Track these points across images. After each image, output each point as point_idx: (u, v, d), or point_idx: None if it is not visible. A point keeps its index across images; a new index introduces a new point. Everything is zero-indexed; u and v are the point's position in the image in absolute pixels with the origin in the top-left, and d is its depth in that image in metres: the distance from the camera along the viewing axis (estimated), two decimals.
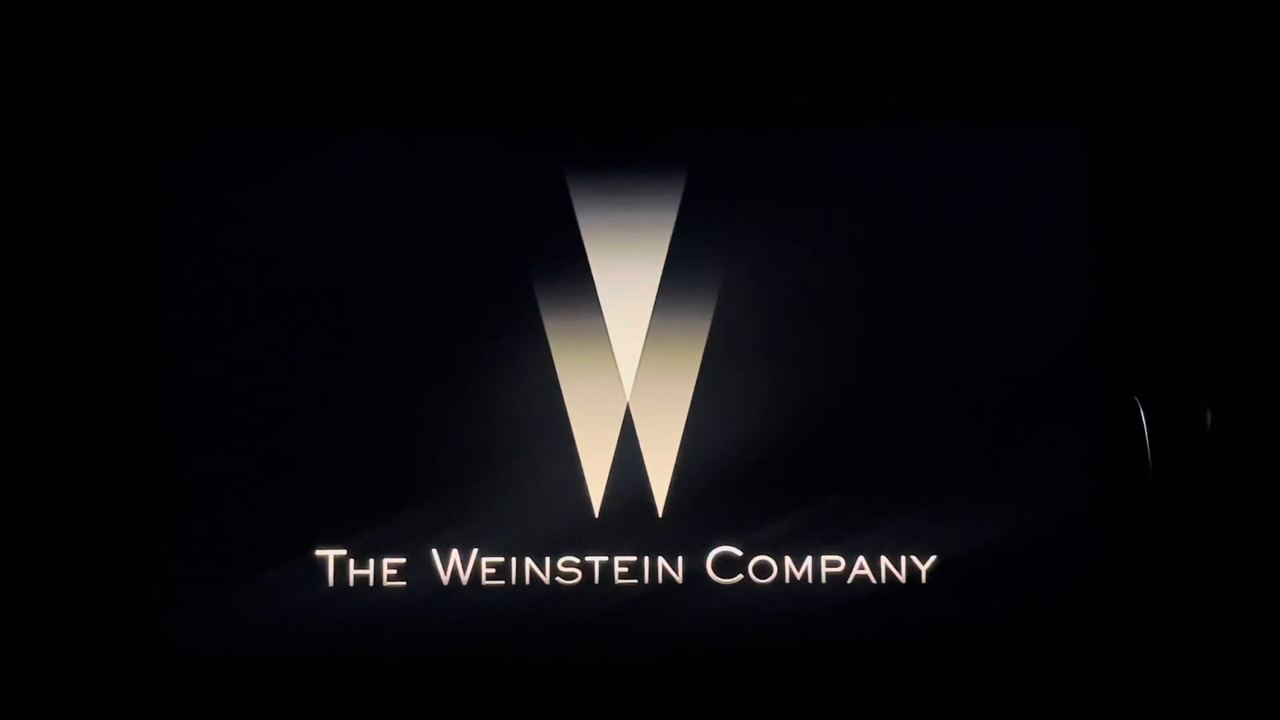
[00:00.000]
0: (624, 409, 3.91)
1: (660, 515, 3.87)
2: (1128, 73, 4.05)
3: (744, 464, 3.88)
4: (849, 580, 3.86)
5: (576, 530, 3.87)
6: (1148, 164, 4.03)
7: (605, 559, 3.86)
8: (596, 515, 3.88)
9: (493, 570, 3.85)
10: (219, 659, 3.81)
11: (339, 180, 3.96)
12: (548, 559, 3.86)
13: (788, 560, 3.86)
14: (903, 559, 3.86)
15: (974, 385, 3.91)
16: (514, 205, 3.97)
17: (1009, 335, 3.94)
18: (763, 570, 3.86)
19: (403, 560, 3.85)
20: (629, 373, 3.93)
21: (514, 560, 3.86)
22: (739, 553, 3.87)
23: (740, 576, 3.86)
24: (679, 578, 3.86)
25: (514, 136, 4.01)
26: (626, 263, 3.96)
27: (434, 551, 3.85)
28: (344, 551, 3.84)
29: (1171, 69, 4.04)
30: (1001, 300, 3.95)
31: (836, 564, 3.87)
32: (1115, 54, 4.05)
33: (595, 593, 3.85)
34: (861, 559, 3.86)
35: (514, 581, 3.85)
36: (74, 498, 3.87)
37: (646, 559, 3.86)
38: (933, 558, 3.86)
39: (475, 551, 3.85)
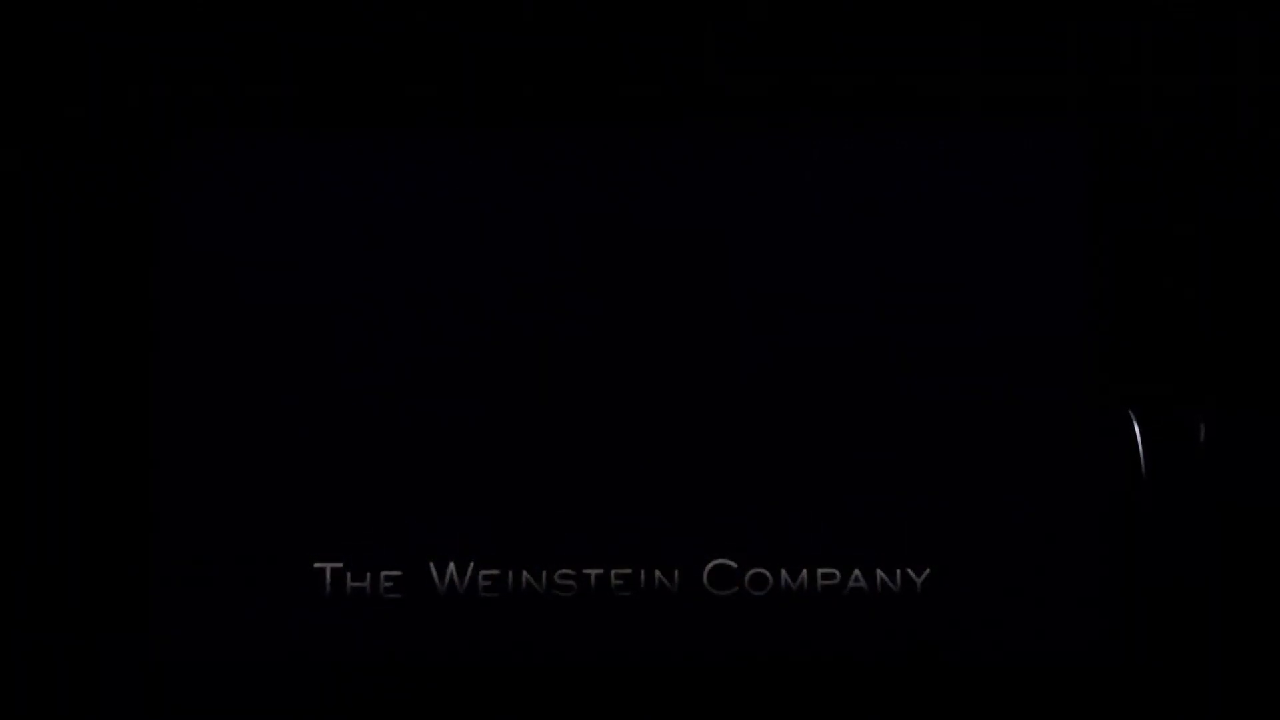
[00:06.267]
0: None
1: (657, 527, 3.87)
2: (1128, 73, 4.03)
3: (740, 475, 3.88)
4: (845, 592, 3.88)
5: (573, 542, 3.87)
6: (1147, 166, 4.02)
7: (601, 571, 3.88)
8: (592, 527, 3.88)
9: (489, 582, 3.87)
10: (215, 671, 3.82)
11: (335, 184, 3.94)
12: (544, 571, 3.87)
13: (783, 572, 3.88)
14: (898, 571, 3.87)
15: (969, 392, 3.90)
16: (508, 208, 3.95)
17: (1005, 339, 3.92)
18: (758, 582, 3.88)
19: (399, 572, 3.86)
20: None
21: (510, 572, 3.87)
22: (734, 565, 3.88)
23: (736, 588, 3.87)
24: (675, 590, 3.87)
25: (511, 139, 3.97)
26: (624, 265, 3.95)
27: (431, 564, 3.86)
28: (341, 563, 3.86)
29: (1171, 69, 4.02)
30: (997, 304, 3.93)
31: (832, 576, 3.88)
32: (1115, 54, 4.03)
33: (592, 604, 3.86)
34: (857, 571, 3.87)
35: (511, 593, 3.86)
36: (68, 507, 3.88)
37: (643, 571, 3.88)
38: (928, 570, 3.87)
39: (472, 563, 3.87)
